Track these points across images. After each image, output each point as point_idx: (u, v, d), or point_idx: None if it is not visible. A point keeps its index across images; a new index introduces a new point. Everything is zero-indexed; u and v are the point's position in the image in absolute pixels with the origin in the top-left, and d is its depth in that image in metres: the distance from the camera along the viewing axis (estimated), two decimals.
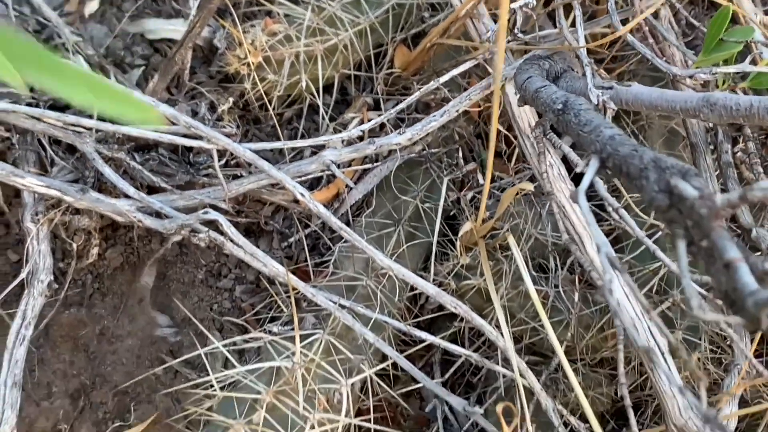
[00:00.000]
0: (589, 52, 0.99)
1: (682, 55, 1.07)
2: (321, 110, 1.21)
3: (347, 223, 1.15)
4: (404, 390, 1.13)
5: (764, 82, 0.89)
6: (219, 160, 1.08)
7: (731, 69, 0.90)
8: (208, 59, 1.27)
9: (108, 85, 0.31)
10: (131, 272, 1.21)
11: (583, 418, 0.99)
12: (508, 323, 1.03)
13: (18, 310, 1.03)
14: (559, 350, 0.96)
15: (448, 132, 1.21)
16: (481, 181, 1.21)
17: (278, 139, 1.22)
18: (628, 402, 0.91)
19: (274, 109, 1.19)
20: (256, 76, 1.15)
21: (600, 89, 0.87)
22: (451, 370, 1.21)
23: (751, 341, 1.02)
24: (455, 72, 1.07)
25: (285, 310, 1.11)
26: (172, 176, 1.12)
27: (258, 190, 1.13)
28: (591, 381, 1.16)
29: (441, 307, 1.10)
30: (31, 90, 1.07)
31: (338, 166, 1.09)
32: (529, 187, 1.05)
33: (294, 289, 1.03)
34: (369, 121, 1.11)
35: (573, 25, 1.00)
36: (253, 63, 1.14)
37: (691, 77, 0.92)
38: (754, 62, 0.92)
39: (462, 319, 1.11)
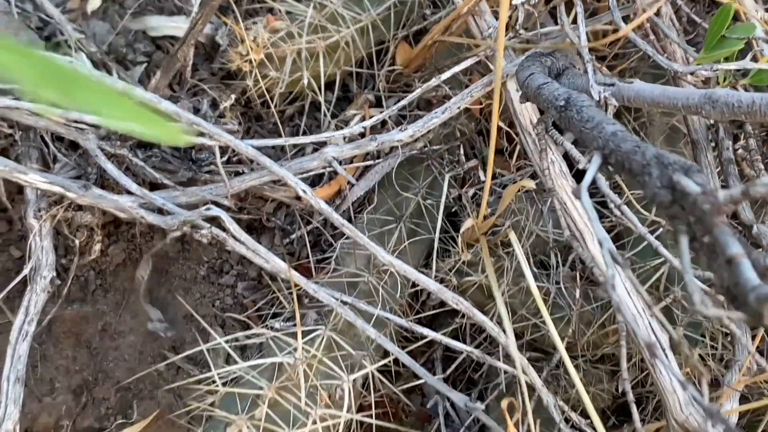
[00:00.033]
0: (591, 49, 0.99)
1: (684, 52, 1.07)
2: (323, 107, 1.22)
3: (349, 220, 1.15)
4: (406, 386, 1.13)
5: (765, 79, 0.89)
6: (221, 157, 1.08)
7: (732, 66, 0.90)
8: (210, 56, 1.27)
9: (140, 109, 0.31)
10: (133, 269, 1.21)
11: (585, 414, 0.99)
12: (509, 319, 1.03)
13: (21, 307, 1.03)
14: (561, 346, 0.96)
15: (449, 129, 1.21)
16: (482, 178, 1.21)
17: (280, 135, 1.22)
18: (630, 397, 0.92)
19: (275, 106, 1.19)
20: (258, 73, 1.15)
21: (602, 86, 0.87)
22: (453, 366, 1.21)
23: (753, 337, 1.02)
24: (457, 69, 1.07)
25: (287, 306, 1.12)
26: (175, 173, 1.12)
27: (260, 186, 1.14)
28: (592, 377, 1.16)
29: (442, 304, 1.11)
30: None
31: (340, 163, 1.09)
32: (531, 184, 1.05)
33: (296, 285, 1.04)
34: (371, 117, 1.11)
35: (574, 22, 1.00)
36: (255, 60, 1.14)
37: (692, 74, 0.92)
38: (755, 59, 0.92)
39: (463, 316, 1.11)
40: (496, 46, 0.86)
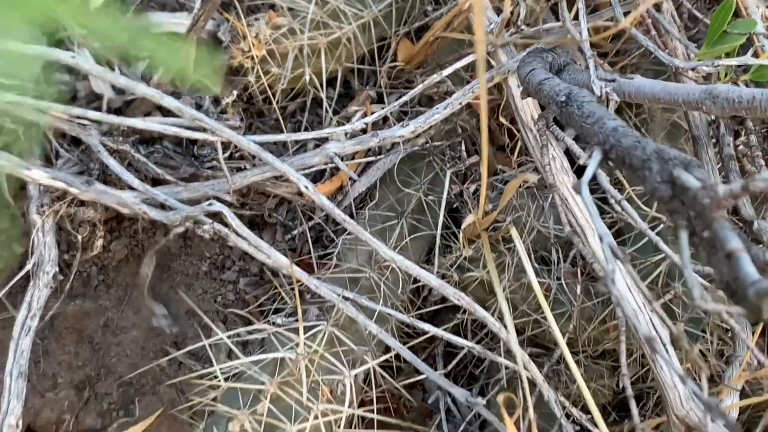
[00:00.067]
0: (592, 45, 0.99)
1: (685, 48, 1.07)
2: (324, 103, 1.22)
3: (351, 216, 1.16)
4: (407, 381, 1.14)
5: (766, 75, 0.89)
6: (223, 153, 1.08)
7: (733, 61, 0.90)
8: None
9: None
10: (136, 264, 1.21)
11: (585, 410, 1.00)
12: (510, 315, 1.04)
13: (23, 302, 1.03)
14: (562, 342, 0.96)
15: (451, 125, 1.21)
16: None
17: (282, 131, 1.22)
18: (630, 392, 0.92)
19: (277, 102, 1.19)
20: (260, 70, 1.15)
21: (603, 81, 0.87)
22: (454, 361, 1.21)
23: (753, 333, 1.02)
24: (458, 65, 1.07)
25: (289, 301, 1.12)
26: (177, 168, 1.12)
27: (262, 182, 1.14)
28: (593, 373, 1.16)
29: (444, 299, 1.11)
30: None
31: (342, 159, 1.09)
32: (533, 178, 1.05)
33: (298, 281, 1.04)
34: (372, 114, 1.11)
35: (576, 18, 1.00)
36: (257, 56, 1.14)
37: (693, 70, 0.92)
38: (756, 55, 0.93)
39: (465, 311, 1.12)
40: (497, 42, 0.87)
